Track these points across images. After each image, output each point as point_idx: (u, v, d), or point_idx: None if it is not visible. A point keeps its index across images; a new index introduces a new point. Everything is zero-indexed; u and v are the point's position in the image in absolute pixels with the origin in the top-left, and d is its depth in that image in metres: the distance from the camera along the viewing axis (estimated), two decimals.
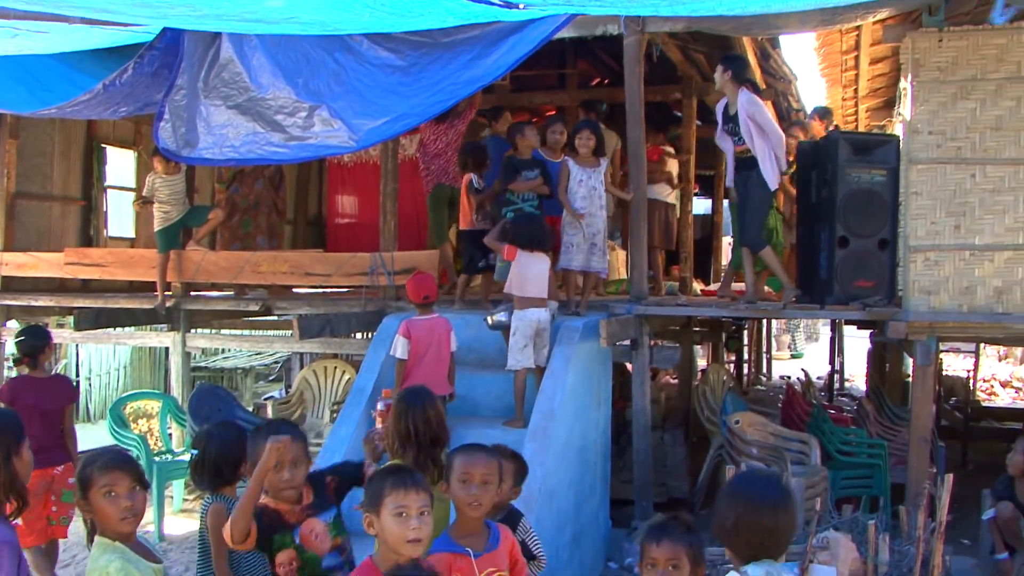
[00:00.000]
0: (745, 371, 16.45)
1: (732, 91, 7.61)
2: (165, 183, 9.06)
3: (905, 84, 7.36)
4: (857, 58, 9.61)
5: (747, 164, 7.64)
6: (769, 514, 3.00)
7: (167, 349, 10.25)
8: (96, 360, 14.72)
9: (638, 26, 7.51)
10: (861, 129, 12.49)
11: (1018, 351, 20.57)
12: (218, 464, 4.32)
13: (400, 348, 6.26)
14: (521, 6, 5.67)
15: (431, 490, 3.30)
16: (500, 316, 6.71)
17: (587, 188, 7.43)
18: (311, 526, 3.77)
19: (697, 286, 10.69)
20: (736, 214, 8.29)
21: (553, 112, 12.59)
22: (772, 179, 7.54)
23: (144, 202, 9.30)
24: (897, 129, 8.64)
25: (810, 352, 25.72)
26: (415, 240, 10.60)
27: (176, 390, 9.55)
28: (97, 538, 3.27)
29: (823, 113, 9.84)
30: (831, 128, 9.57)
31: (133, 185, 11.58)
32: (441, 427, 4.55)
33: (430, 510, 3.19)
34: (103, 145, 11.21)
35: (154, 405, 9.29)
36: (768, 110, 8.08)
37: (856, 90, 10.98)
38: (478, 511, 3.58)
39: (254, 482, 3.58)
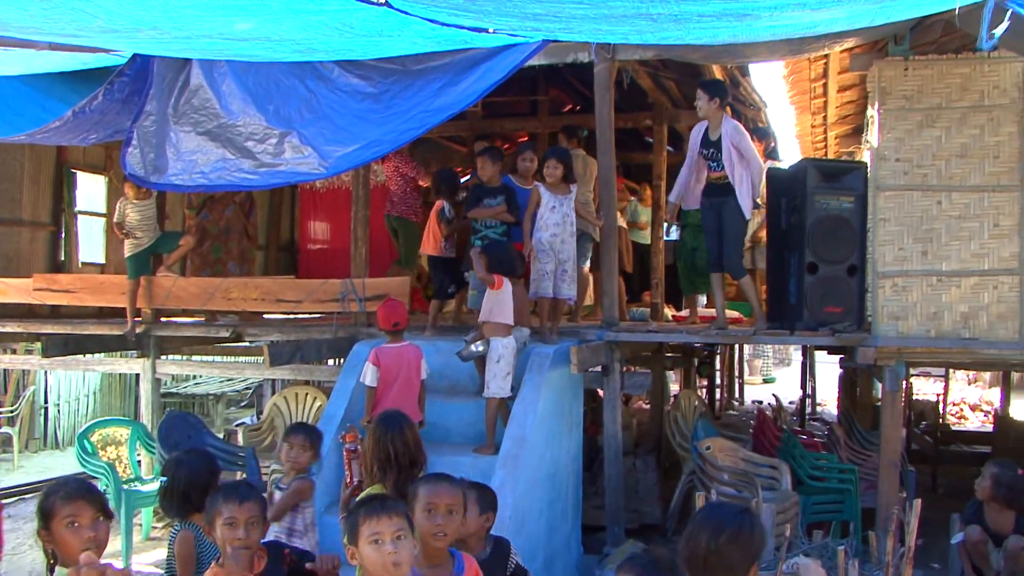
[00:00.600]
0: (717, 396, 16.49)
1: (717, 117, 7.65)
2: (135, 208, 9.01)
3: (872, 112, 7.46)
4: (825, 86, 9.70)
5: (722, 190, 7.68)
6: (713, 536, 3.00)
7: (137, 375, 10.17)
8: (65, 386, 14.55)
9: (608, 54, 7.57)
10: (830, 156, 12.60)
11: (987, 375, 20.75)
12: (187, 492, 4.31)
13: (369, 375, 6.24)
14: (491, 30, 5.68)
15: (408, 514, 3.30)
16: (474, 347, 6.69)
17: (560, 215, 7.42)
18: None
19: (668, 312, 10.72)
20: (705, 237, 8.32)
21: (526, 139, 12.65)
22: (747, 207, 7.60)
23: (124, 229, 9.17)
24: (865, 156, 8.73)
25: (782, 377, 25.82)
26: (387, 266, 10.60)
27: (145, 417, 9.47)
28: (59, 569, 3.24)
29: (762, 134, 9.94)
30: (770, 147, 9.68)
31: (103, 210, 11.52)
32: (419, 449, 4.60)
33: (407, 533, 3.18)
34: (73, 170, 11.15)
35: (123, 432, 9.18)
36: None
37: (825, 117, 11.07)
38: (443, 541, 3.58)
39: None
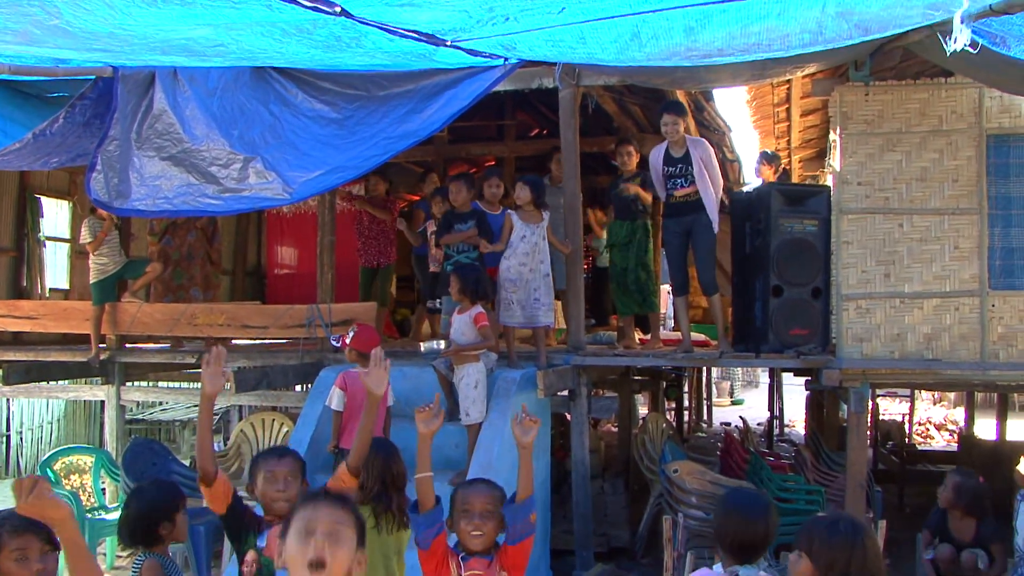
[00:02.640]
0: (685, 419, 16.52)
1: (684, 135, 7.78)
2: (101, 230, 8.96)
3: (834, 136, 7.55)
4: (788, 110, 9.80)
5: (692, 207, 7.74)
6: (743, 521, 3.50)
7: (102, 402, 10.06)
8: (28, 414, 14.37)
9: (573, 79, 7.61)
10: (795, 180, 12.70)
11: (951, 395, 20.92)
12: (149, 523, 4.23)
13: (336, 399, 6.20)
14: (448, 43, 5.68)
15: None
16: (434, 344, 6.76)
17: (529, 244, 7.42)
18: (275, 534, 3.76)
19: (636, 335, 10.73)
20: (667, 261, 8.36)
21: (492, 163, 12.68)
22: (715, 221, 7.69)
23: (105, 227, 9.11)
24: (828, 180, 8.82)
25: (750, 398, 25.91)
26: (354, 291, 10.55)
27: (110, 444, 9.37)
28: None
29: (771, 158, 10.03)
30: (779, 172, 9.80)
31: (67, 236, 11.42)
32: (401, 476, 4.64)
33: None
34: (37, 196, 11.04)
35: (87, 460, 9.07)
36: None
37: (788, 141, 11.18)
38: (479, 541, 3.74)
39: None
